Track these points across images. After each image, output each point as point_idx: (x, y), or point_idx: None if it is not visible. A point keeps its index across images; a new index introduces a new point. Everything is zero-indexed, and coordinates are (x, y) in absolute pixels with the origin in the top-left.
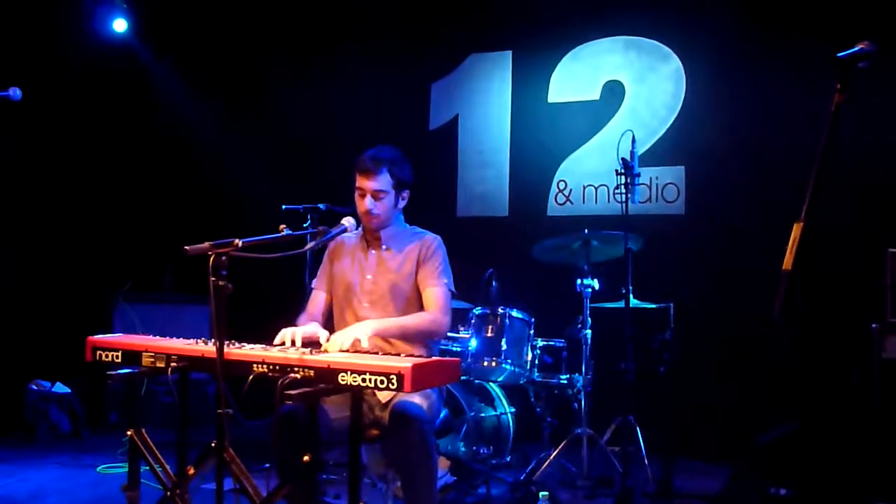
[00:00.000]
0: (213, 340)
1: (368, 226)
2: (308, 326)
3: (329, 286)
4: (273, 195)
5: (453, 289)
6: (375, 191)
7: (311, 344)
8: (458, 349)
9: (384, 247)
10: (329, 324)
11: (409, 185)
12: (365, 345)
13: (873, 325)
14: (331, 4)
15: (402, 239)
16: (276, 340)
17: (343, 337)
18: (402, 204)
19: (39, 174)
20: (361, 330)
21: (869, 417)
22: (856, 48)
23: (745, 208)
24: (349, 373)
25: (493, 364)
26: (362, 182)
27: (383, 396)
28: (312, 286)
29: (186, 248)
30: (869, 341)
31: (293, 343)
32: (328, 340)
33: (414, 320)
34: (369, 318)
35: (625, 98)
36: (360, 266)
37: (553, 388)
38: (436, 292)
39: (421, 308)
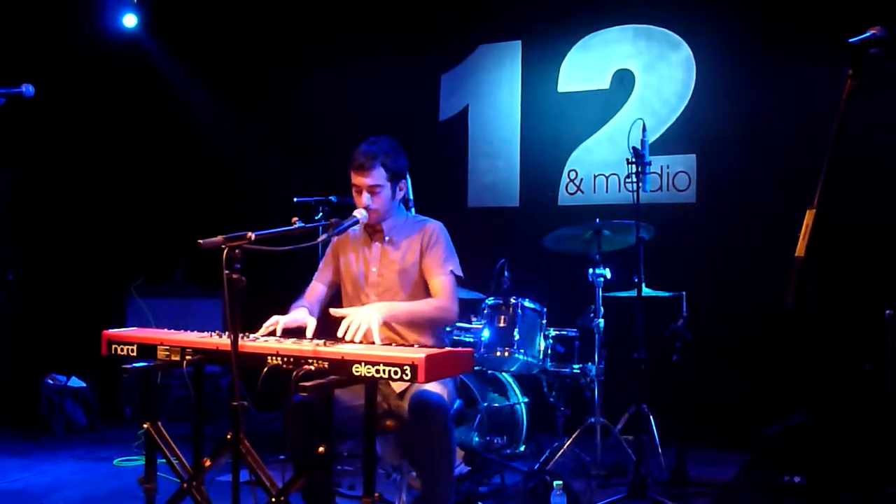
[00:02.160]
0: (227, 333)
1: (368, 220)
2: (296, 313)
3: (333, 279)
4: (285, 188)
5: (460, 273)
6: (371, 186)
7: (299, 331)
8: (471, 339)
9: (387, 238)
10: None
11: (405, 175)
12: (377, 339)
13: (887, 312)
14: None
15: (404, 229)
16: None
17: (356, 318)
18: (400, 195)
19: (51, 170)
20: (373, 314)
21: (882, 405)
22: (867, 34)
23: (756, 196)
24: (363, 364)
25: (506, 354)
26: (357, 179)
27: (397, 386)
28: (314, 277)
29: (200, 241)
30: (882, 329)
31: (275, 332)
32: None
33: (423, 307)
34: None
35: (635, 87)
36: (364, 259)
37: (566, 378)
38: (441, 281)
39: (428, 295)
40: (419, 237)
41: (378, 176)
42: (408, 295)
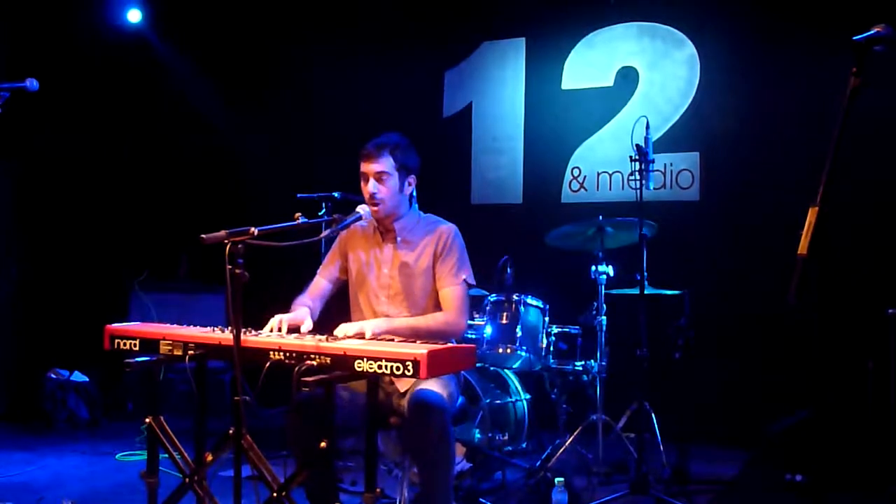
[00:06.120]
0: (229, 328)
1: (375, 214)
2: (297, 312)
3: (339, 276)
4: (288, 183)
5: (472, 280)
6: (377, 173)
7: (295, 330)
8: (474, 336)
9: (399, 239)
10: (345, 311)
11: (415, 171)
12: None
13: (889, 311)
14: None
15: (418, 230)
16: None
17: (349, 328)
18: (408, 189)
19: (55, 164)
20: (367, 325)
21: (885, 403)
22: (872, 31)
23: (759, 194)
24: (365, 360)
25: (509, 351)
26: (365, 167)
27: (402, 386)
28: (318, 272)
29: (203, 236)
30: (885, 327)
31: (279, 330)
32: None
33: (427, 322)
34: (387, 312)
35: (639, 84)
36: (376, 260)
37: (568, 375)
38: (451, 292)
39: (439, 302)
40: (433, 241)
41: (385, 163)
42: (417, 299)
